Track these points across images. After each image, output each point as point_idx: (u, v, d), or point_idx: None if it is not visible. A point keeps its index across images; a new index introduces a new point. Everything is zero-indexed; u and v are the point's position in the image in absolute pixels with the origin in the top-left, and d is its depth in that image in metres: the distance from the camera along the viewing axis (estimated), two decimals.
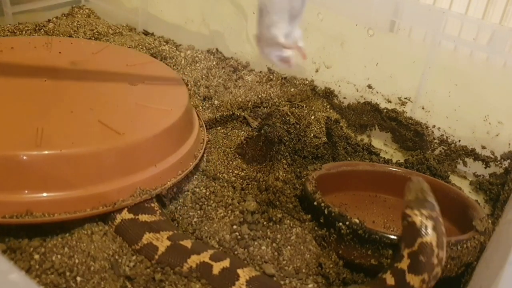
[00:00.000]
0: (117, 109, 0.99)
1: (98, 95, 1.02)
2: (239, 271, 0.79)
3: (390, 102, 1.41)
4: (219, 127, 1.24)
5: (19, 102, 0.94)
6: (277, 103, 1.40)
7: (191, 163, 1.02)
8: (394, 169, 1.14)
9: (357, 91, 1.45)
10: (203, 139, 1.13)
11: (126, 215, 0.86)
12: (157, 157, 0.93)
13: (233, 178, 1.06)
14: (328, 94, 1.49)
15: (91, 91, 1.03)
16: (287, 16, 0.87)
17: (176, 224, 0.94)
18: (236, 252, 0.87)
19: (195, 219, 0.94)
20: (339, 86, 1.48)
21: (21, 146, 0.80)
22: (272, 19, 0.87)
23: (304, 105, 1.43)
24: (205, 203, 0.98)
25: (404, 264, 0.77)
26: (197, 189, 1.01)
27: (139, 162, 0.90)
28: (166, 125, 0.96)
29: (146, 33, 1.74)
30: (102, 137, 0.87)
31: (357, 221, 0.87)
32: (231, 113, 1.30)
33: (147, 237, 0.84)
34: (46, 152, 0.80)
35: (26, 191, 0.79)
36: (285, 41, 0.88)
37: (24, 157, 0.78)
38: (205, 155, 1.12)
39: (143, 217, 0.87)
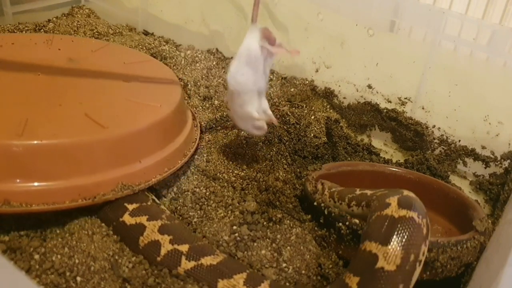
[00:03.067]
0: (106, 104, 0.98)
1: (89, 90, 1.02)
2: None
3: (390, 102, 1.41)
4: (219, 127, 1.24)
5: (9, 94, 0.94)
6: (277, 103, 1.40)
7: (179, 161, 1.01)
8: (394, 169, 1.14)
9: (357, 91, 1.45)
10: (196, 138, 1.12)
11: (186, 264, 0.78)
12: (142, 153, 0.92)
13: (233, 178, 1.06)
14: (328, 94, 1.49)
15: (83, 86, 1.03)
16: (256, 94, 1.00)
17: None
18: (236, 256, 0.86)
19: (195, 219, 0.94)
20: (339, 86, 1.48)
21: (2, 135, 0.80)
22: (243, 99, 0.99)
23: (304, 105, 1.43)
24: (205, 203, 0.98)
25: None
26: (197, 189, 1.01)
27: (122, 157, 0.89)
28: (152, 120, 0.95)
29: (146, 33, 1.74)
30: (85, 129, 0.86)
31: (357, 221, 0.87)
32: None
33: (222, 286, 0.76)
34: (26, 142, 0.79)
35: (4, 181, 0.78)
36: (257, 115, 1.01)
37: (4, 146, 0.78)
38: (205, 155, 1.12)
39: (207, 261, 0.79)
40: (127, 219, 0.85)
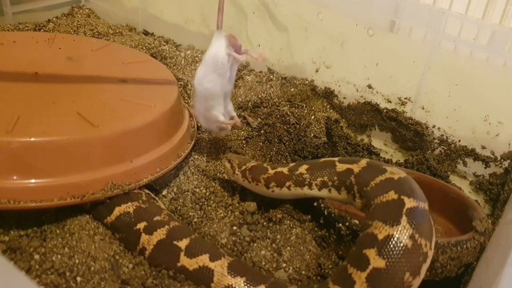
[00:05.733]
0: (100, 103, 0.98)
1: (85, 89, 1.02)
2: None
3: (390, 102, 1.41)
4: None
5: (4, 91, 0.94)
6: (277, 103, 1.40)
7: (172, 162, 1.00)
8: None
9: (357, 91, 1.45)
10: (192, 139, 1.12)
11: None
12: (134, 152, 0.92)
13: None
14: (328, 94, 1.49)
15: (79, 84, 1.03)
16: (222, 98, 1.03)
17: None
18: (236, 256, 0.86)
19: (195, 219, 0.94)
20: (339, 86, 1.48)
21: None
22: (210, 104, 1.02)
23: (304, 105, 1.43)
24: (205, 203, 0.98)
25: None
26: (197, 189, 1.01)
27: (112, 156, 0.88)
28: (145, 120, 0.94)
29: (146, 33, 1.74)
30: (75, 128, 0.86)
31: (357, 222, 0.87)
32: None
33: None
34: (15, 139, 0.79)
35: None
36: (224, 119, 1.04)
37: None
38: (205, 155, 1.12)
39: None
40: (187, 262, 0.78)
